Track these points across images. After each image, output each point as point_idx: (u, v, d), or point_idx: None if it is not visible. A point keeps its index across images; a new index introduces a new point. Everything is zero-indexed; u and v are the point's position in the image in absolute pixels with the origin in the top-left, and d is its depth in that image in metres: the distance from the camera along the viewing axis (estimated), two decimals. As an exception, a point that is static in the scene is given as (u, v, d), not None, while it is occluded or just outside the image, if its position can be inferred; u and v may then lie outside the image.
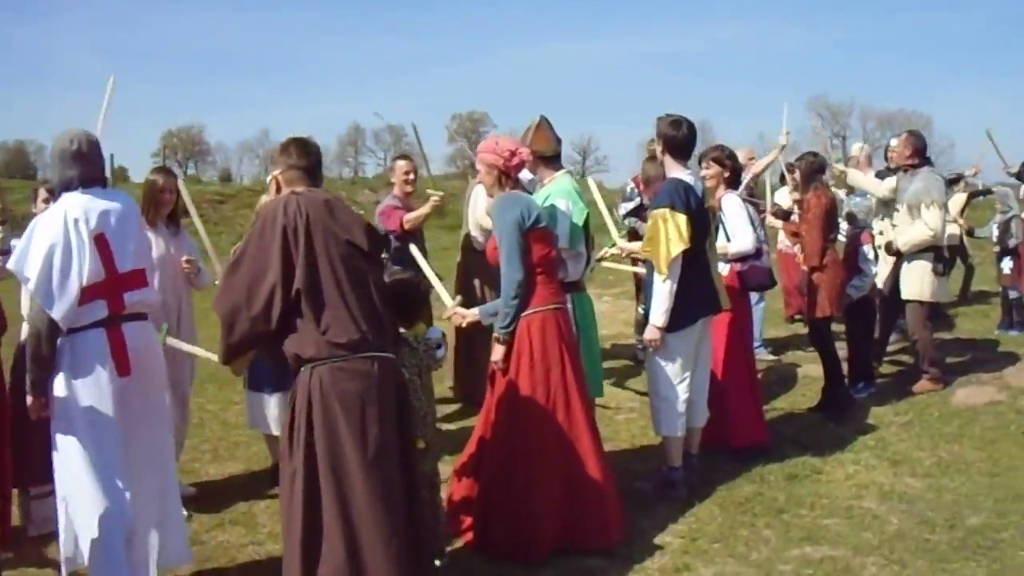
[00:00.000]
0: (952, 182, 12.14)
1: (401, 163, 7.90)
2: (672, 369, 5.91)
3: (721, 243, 6.51)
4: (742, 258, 6.65)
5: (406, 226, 7.45)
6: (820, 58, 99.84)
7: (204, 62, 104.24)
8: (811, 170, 7.69)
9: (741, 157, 7.82)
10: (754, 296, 8.15)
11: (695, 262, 5.80)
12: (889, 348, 9.29)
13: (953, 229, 12.58)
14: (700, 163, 6.76)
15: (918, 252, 8.10)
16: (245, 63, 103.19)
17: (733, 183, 6.76)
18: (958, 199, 13.04)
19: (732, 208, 6.60)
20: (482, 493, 5.14)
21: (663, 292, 5.68)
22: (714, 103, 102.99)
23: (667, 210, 5.63)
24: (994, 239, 10.91)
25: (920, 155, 8.27)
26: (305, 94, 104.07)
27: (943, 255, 8.14)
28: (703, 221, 5.88)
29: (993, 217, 11.22)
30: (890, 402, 8.01)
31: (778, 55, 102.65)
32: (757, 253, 6.69)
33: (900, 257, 8.25)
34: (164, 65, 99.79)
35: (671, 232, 5.61)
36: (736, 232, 6.54)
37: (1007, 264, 10.71)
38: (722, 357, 6.59)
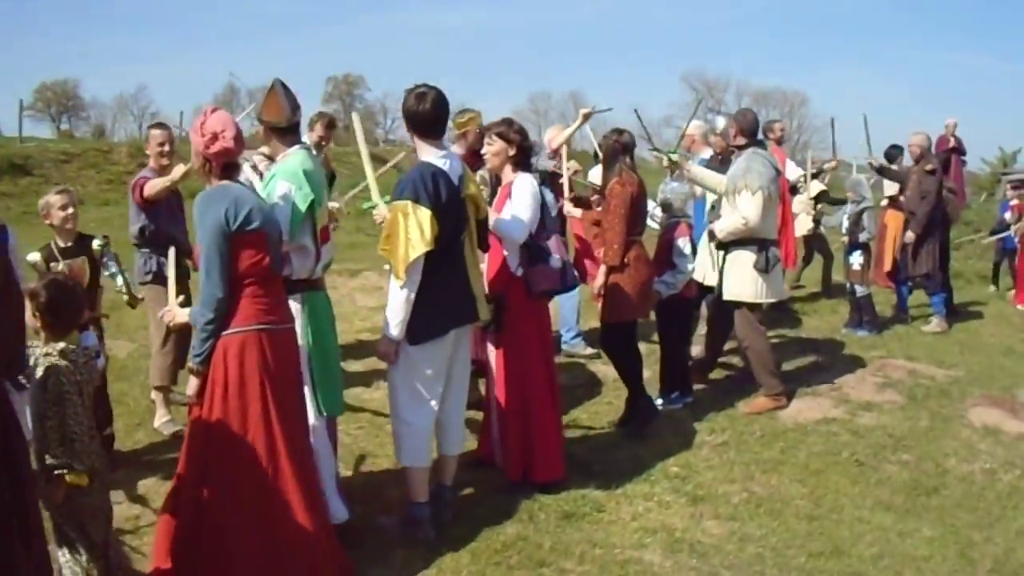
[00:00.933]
0: (814, 176, 11.12)
1: (155, 132, 6.63)
2: (416, 389, 4.80)
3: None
4: (528, 258, 5.31)
5: (147, 195, 6.27)
6: (698, 32, 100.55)
7: (81, 14, 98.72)
8: (614, 151, 6.37)
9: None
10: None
11: (445, 264, 4.72)
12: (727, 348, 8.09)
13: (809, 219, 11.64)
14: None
15: (739, 245, 6.98)
16: (124, 17, 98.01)
17: (523, 163, 5.46)
18: (814, 187, 12.09)
19: (521, 193, 5.31)
20: (179, 541, 4.17)
21: (399, 300, 4.66)
22: (589, 74, 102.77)
23: (409, 203, 4.59)
24: (843, 231, 9.83)
25: (748, 135, 7.13)
26: (183, 51, 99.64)
27: (767, 248, 6.97)
28: (456, 215, 4.73)
29: (843, 207, 10.14)
30: (707, 417, 6.81)
31: (655, 28, 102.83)
32: (542, 252, 5.31)
33: (724, 250, 7.08)
34: (40, 16, 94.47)
35: (412, 230, 4.57)
36: (507, 224, 5.28)
37: (856, 259, 9.66)
38: (523, 375, 5.38)
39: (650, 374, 6.96)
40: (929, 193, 9.95)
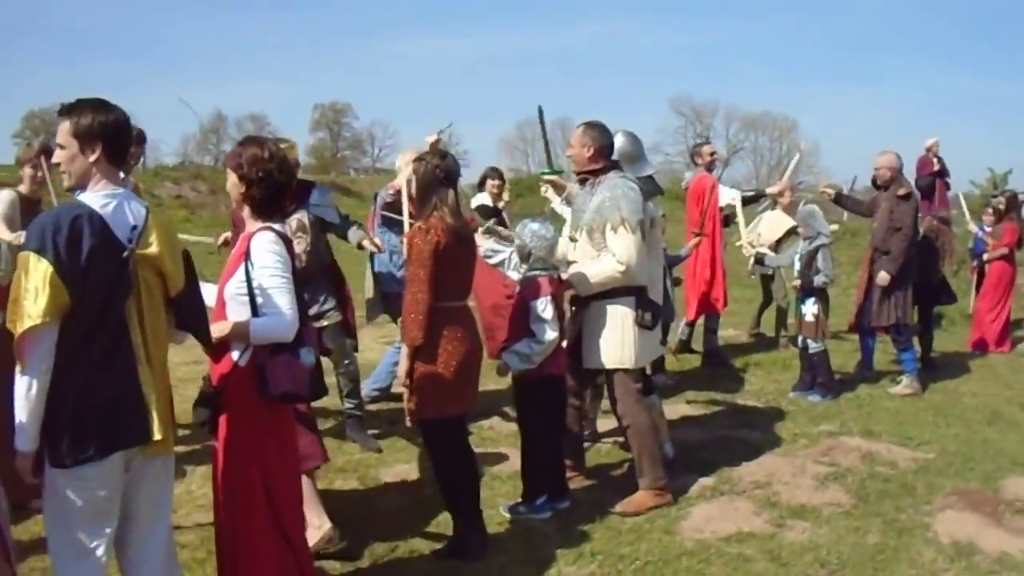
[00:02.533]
0: (751, 200, 9.40)
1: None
2: (70, 532, 3.18)
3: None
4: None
5: None
6: (684, 58, 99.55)
7: (69, 42, 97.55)
8: (429, 182, 4.61)
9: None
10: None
11: (96, 350, 3.13)
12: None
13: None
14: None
15: (609, 297, 5.30)
16: (111, 44, 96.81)
17: (269, 207, 3.84)
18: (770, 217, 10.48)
19: (262, 261, 3.64)
20: None
21: (20, 395, 3.05)
22: (577, 100, 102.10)
23: (31, 255, 3.04)
24: (795, 273, 8.10)
25: (604, 156, 5.43)
26: (169, 78, 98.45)
27: (647, 299, 5.33)
28: (109, 279, 3.13)
29: (794, 244, 8.41)
30: (579, 529, 5.02)
31: (642, 54, 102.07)
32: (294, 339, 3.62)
33: (582, 305, 5.44)
34: (29, 43, 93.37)
35: (28, 294, 3.03)
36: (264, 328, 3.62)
37: (810, 308, 7.93)
38: (236, 506, 3.71)
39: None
40: (903, 224, 8.23)
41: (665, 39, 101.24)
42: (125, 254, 3.11)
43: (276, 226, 3.66)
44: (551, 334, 5.02)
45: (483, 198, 8.50)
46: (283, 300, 3.49)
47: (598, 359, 5.29)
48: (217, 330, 3.53)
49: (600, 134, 5.39)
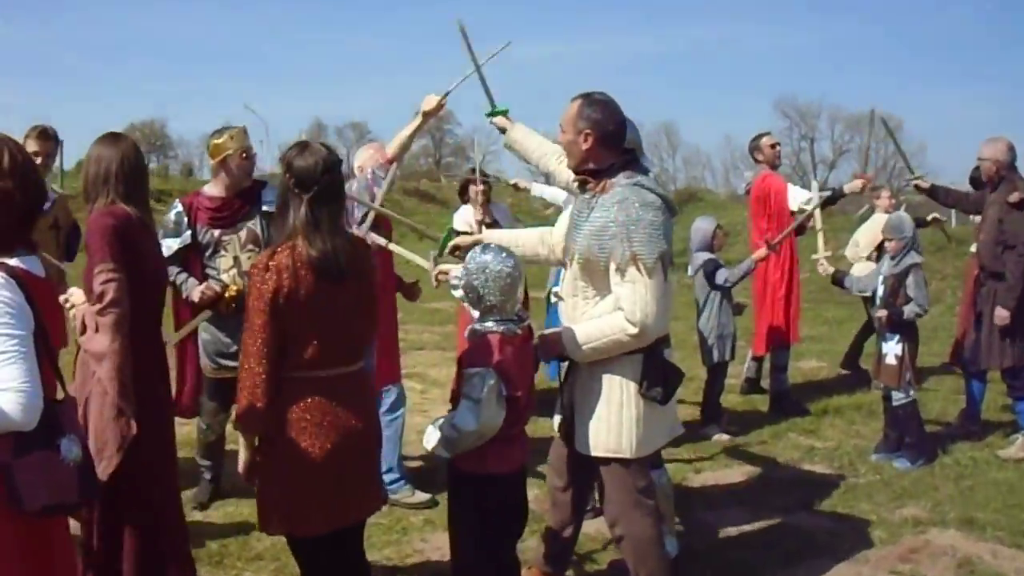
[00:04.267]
0: (829, 200, 7.64)
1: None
2: None
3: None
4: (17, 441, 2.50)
5: None
6: (789, 59, 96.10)
7: (168, 56, 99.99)
8: (284, 190, 3.31)
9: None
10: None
11: None
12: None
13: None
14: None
15: (609, 361, 3.68)
16: (209, 57, 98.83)
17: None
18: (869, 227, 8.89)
19: None
20: None
21: None
22: (680, 105, 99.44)
23: None
24: (876, 301, 6.42)
25: (610, 148, 3.70)
26: (268, 88, 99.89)
27: (658, 359, 3.72)
28: None
29: (880, 265, 6.69)
30: None
31: (746, 56, 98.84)
32: (52, 429, 2.63)
33: (572, 370, 3.86)
34: (130, 58, 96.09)
35: None
36: None
37: (892, 348, 6.21)
38: None
39: None
40: (1017, 240, 6.42)
41: (768, 41, 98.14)
42: None
43: (11, 260, 2.52)
44: (471, 424, 3.39)
45: (466, 212, 6.99)
46: (12, 372, 2.34)
47: (585, 443, 3.75)
48: None
49: (604, 114, 3.65)
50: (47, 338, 2.54)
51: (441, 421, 3.53)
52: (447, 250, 4.36)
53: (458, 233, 4.58)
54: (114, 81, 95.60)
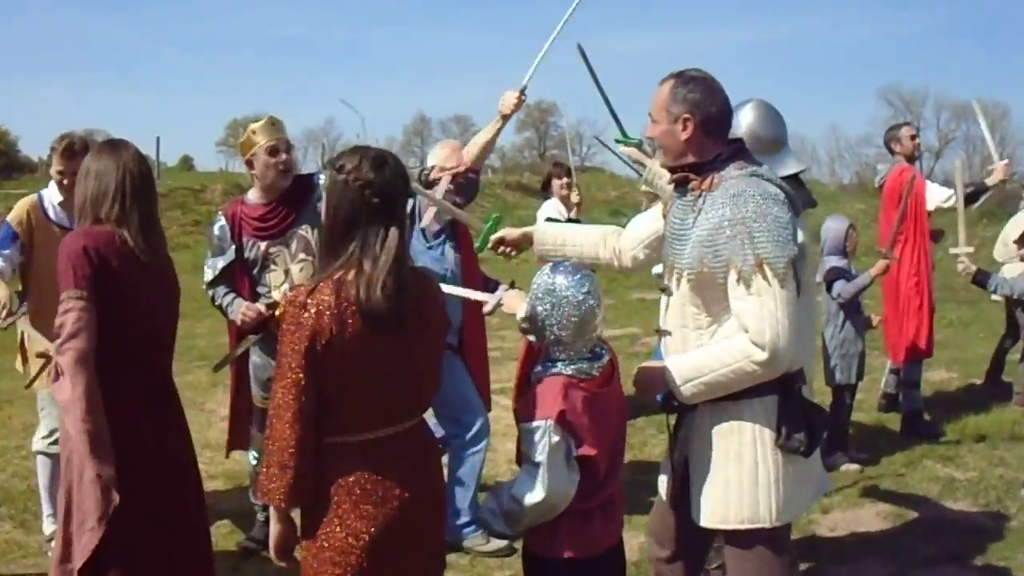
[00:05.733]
0: (972, 198, 6.72)
1: None
2: None
3: None
4: None
5: None
6: (893, 46, 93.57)
7: (270, 51, 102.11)
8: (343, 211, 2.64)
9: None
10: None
11: None
12: None
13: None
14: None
15: (733, 399, 2.88)
16: (310, 52, 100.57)
17: None
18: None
19: None
20: None
21: None
22: (783, 95, 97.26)
23: None
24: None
25: (715, 136, 2.95)
26: (371, 83, 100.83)
27: (797, 397, 2.92)
28: None
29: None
30: None
31: (850, 44, 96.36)
32: None
33: (684, 415, 3.06)
34: (232, 54, 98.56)
35: None
36: None
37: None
38: None
39: None
40: None
41: (872, 28, 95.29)
42: None
43: None
44: (534, 494, 2.73)
45: (551, 206, 6.30)
46: None
47: (708, 512, 2.95)
48: None
49: (704, 94, 2.91)
50: None
51: (501, 490, 2.88)
52: (489, 243, 3.66)
53: (498, 223, 3.80)
54: (214, 76, 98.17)
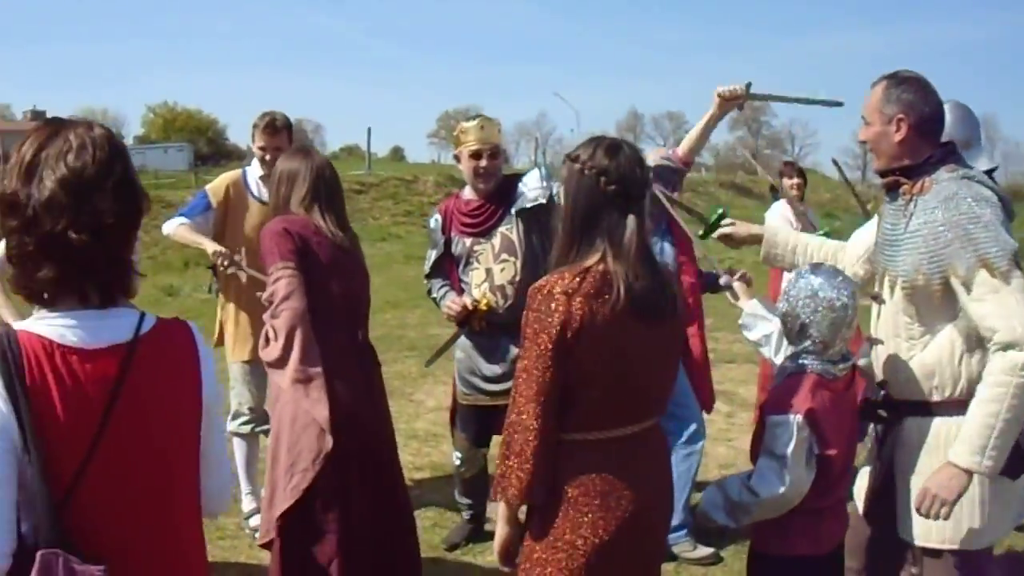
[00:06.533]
0: None
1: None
2: None
3: None
4: None
5: None
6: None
7: (481, 43, 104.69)
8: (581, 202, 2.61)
9: None
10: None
11: None
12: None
13: None
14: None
15: (944, 410, 2.84)
16: (521, 44, 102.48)
17: None
18: None
19: None
20: None
21: None
22: (999, 96, 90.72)
23: None
24: None
25: (928, 138, 2.88)
26: (584, 77, 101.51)
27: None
28: None
29: None
30: None
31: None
32: None
33: (891, 424, 2.98)
34: (444, 47, 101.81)
35: None
36: None
37: None
38: None
39: None
40: None
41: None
42: None
43: (36, 322, 1.72)
44: (773, 488, 2.73)
45: (781, 209, 5.95)
46: None
47: (913, 527, 2.87)
48: None
49: (918, 95, 2.85)
50: (44, 461, 1.62)
51: (730, 481, 2.92)
52: (714, 235, 3.55)
53: (723, 217, 3.60)
54: (425, 69, 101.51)
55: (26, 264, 1.68)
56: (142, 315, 1.79)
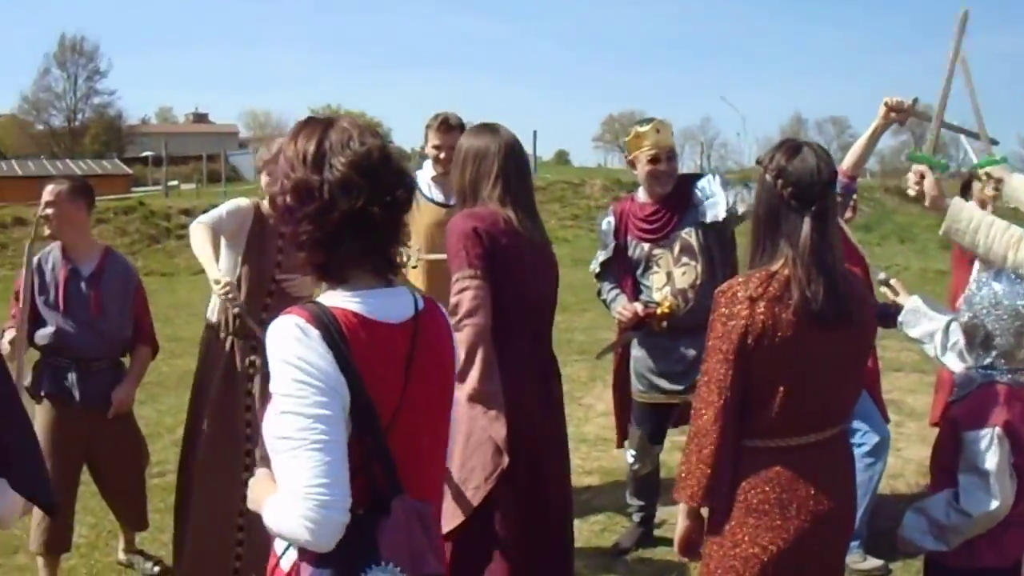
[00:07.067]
0: None
1: None
2: None
3: None
4: None
5: None
6: None
7: (645, 49, 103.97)
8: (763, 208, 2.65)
9: None
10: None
11: None
12: None
13: None
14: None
15: None
16: (684, 48, 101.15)
17: None
18: None
19: None
20: None
21: None
22: None
23: None
24: None
25: None
26: (747, 81, 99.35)
27: None
28: None
29: None
30: None
31: None
32: None
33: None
34: (607, 52, 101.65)
35: None
36: None
37: None
38: None
39: None
40: None
41: None
42: None
43: (334, 298, 1.86)
44: (985, 505, 2.61)
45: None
46: (298, 468, 1.71)
47: None
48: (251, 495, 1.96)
49: None
50: (374, 419, 1.80)
51: (932, 504, 2.76)
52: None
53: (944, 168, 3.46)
54: (590, 72, 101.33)
55: (324, 244, 1.83)
56: (414, 293, 1.97)
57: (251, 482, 1.99)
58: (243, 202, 4.02)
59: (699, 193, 4.32)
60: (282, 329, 1.77)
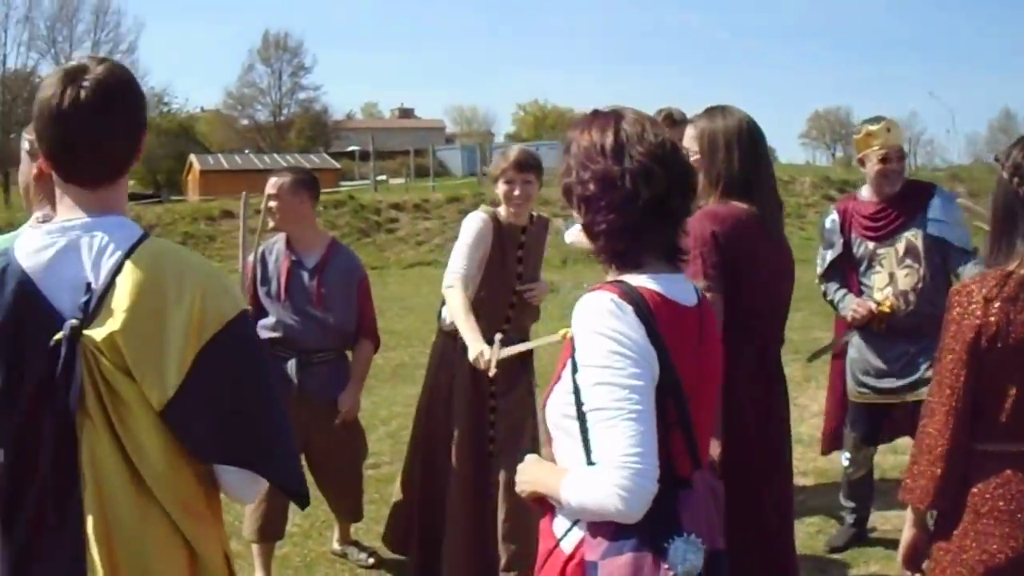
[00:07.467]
0: None
1: None
2: None
3: None
4: None
5: None
6: None
7: (849, 44, 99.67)
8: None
9: None
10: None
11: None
12: None
13: None
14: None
15: None
16: (890, 44, 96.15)
17: None
18: None
19: None
20: None
21: None
22: None
23: None
24: None
25: None
26: (956, 76, 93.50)
27: None
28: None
29: None
30: None
31: None
32: None
33: None
34: (810, 46, 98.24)
35: None
36: None
37: None
38: None
39: None
40: None
41: None
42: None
43: (637, 279, 1.96)
44: None
45: None
46: (614, 438, 1.78)
47: None
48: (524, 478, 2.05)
49: None
50: (680, 394, 1.89)
51: None
52: None
53: None
54: (792, 67, 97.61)
55: (626, 232, 1.94)
56: (691, 281, 2.07)
57: (521, 468, 2.06)
58: (479, 222, 3.93)
59: (931, 210, 4.30)
60: (597, 303, 1.87)
